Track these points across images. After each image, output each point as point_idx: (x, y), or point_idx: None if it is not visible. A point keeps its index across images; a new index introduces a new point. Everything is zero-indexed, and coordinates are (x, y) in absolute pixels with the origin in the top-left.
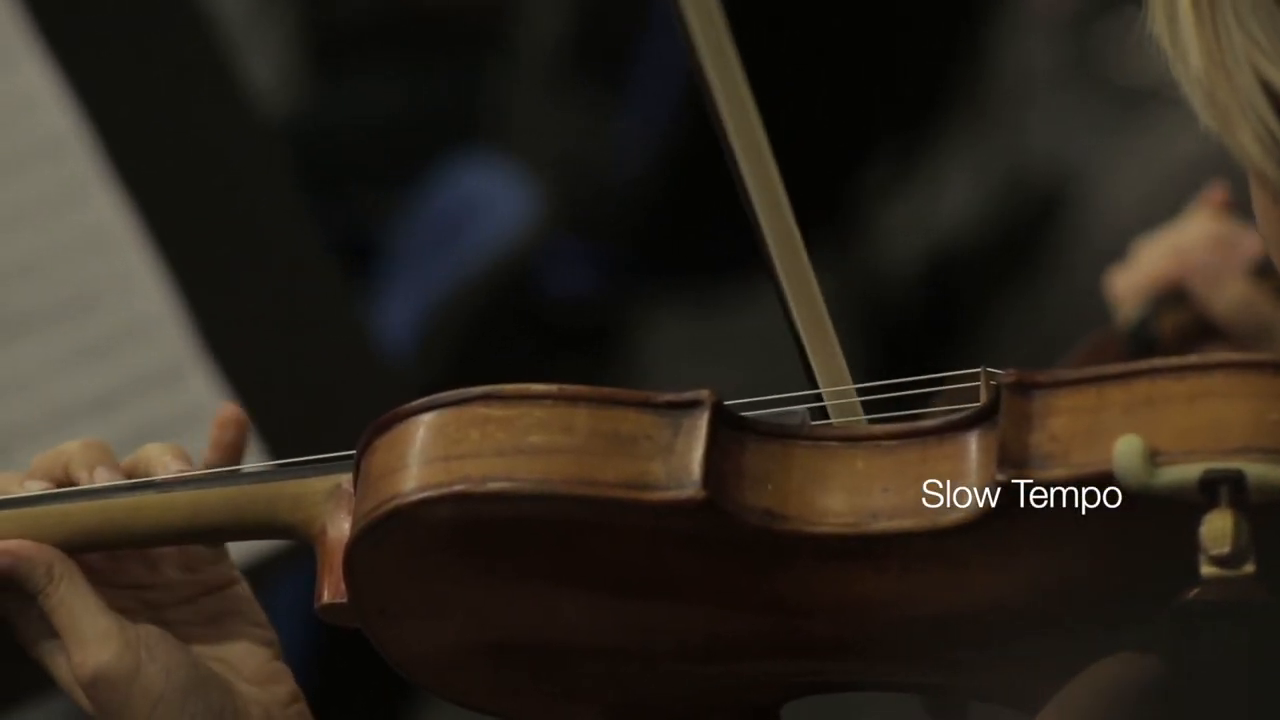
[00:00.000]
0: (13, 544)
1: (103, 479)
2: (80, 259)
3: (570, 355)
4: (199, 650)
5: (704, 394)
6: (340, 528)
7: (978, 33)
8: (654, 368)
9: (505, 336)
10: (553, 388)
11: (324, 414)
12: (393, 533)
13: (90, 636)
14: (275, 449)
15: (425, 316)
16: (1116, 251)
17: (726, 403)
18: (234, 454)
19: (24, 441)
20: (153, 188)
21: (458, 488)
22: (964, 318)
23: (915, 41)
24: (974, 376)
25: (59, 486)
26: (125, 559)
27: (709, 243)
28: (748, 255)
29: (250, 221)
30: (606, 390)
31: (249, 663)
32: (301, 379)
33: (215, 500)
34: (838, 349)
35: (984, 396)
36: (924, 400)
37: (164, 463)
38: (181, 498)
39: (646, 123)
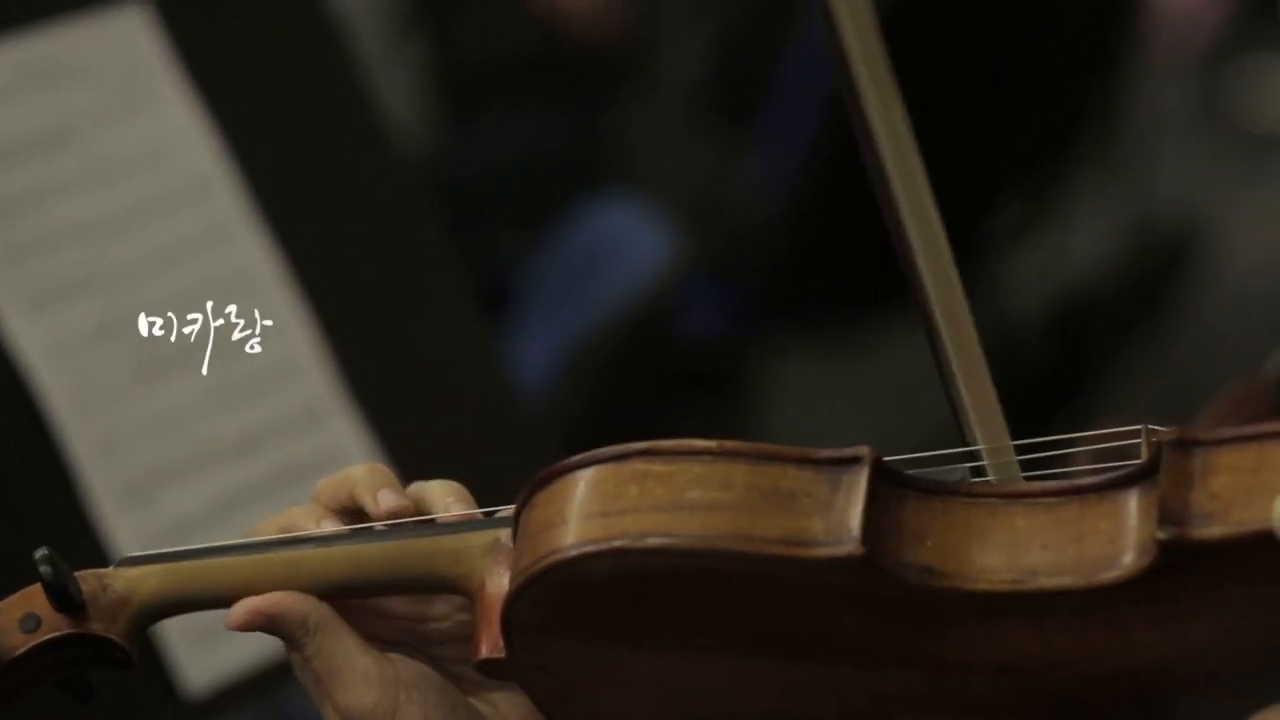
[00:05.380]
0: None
1: (387, 501)
2: (224, 299)
3: (701, 396)
4: (467, 690)
5: (864, 450)
6: (499, 583)
7: (1105, 79)
8: (782, 411)
9: (641, 378)
10: (712, 444)
11: (462, 455)
12: (551, 588)
13: (351, 681)
14: None
15: (562, 357)
16: (1245, 298)
17: (886, 459)
18: None
19: (167, 482)
20: (296, 228)
21: (616, 543)
22: (1091, 366)
23: (1043, 88)
24: (1135, 433)
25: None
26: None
27: (839, 286)
28: (876, 298)
29: (392, 262)
30: (766, 446)
31: (515, 709)
32: (441, 420)
33: (374, 555)
34: (997, 406)
35: (1145, 454)
36: (1065, 456)
37: (445, 503)
38: (340, 552)
39: (778, 164)
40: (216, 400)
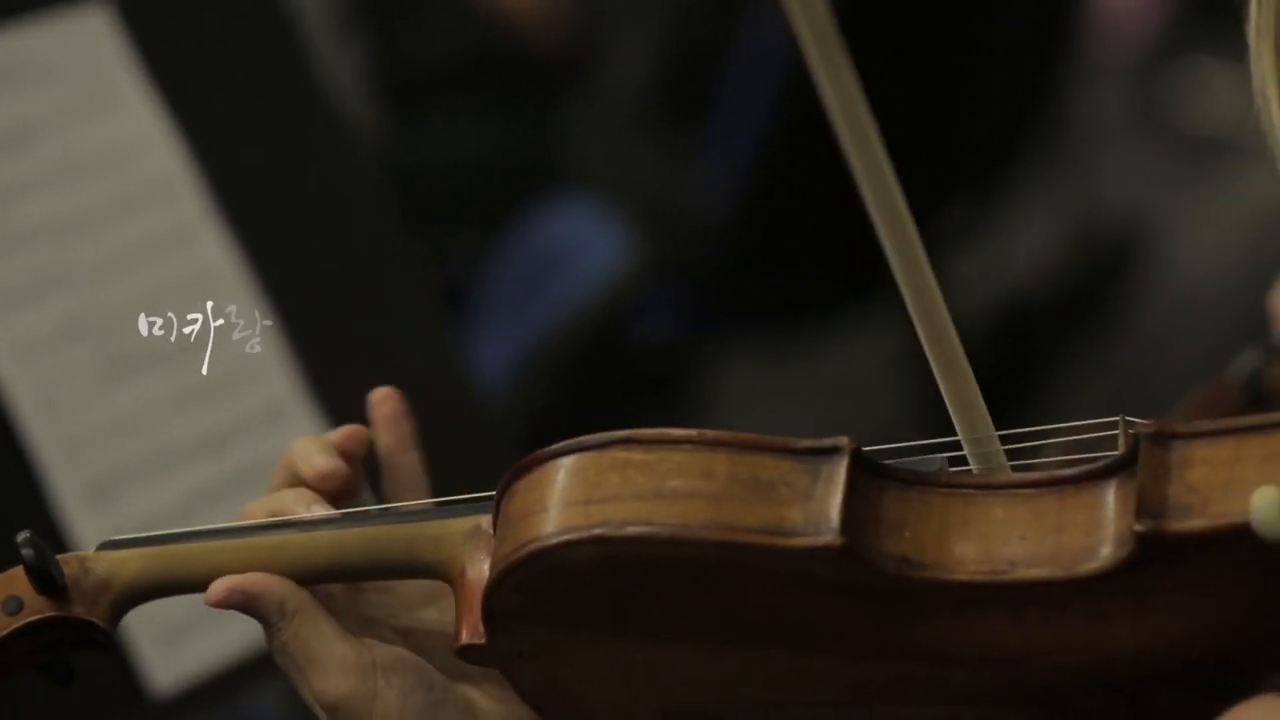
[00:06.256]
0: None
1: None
2: (187, 299)
3: (655, 397)
4: (445, 670)
5: (843, 440)
6: (479, 569)
7: (1047, 82)
8: (735, 412)
9: (596, 379)
10: (693, 433)
11: (423, 454)
12: (531, 575)
13: (328, 667)
14: (373, 487)
15: (518, 359)
16: (1188, 299)
17: (865, 449)
18: (400, 428)
19: (131, 481)
20: (258, 229)
21: (597, 531)
22: (1034, 369)
23: (985, 91)
24: (1112, 425)
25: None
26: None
27: (791, 286)
28: (829, 299)
29: (354, 262)
30: (746, 435)
31: (493, 683)
32: None
33: (356, 540)
34: (979, 397)
35: (1122, 446)
36: (1038, 450)
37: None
38: (323, 537)
39: (729, 165)
40: (181, 400)
